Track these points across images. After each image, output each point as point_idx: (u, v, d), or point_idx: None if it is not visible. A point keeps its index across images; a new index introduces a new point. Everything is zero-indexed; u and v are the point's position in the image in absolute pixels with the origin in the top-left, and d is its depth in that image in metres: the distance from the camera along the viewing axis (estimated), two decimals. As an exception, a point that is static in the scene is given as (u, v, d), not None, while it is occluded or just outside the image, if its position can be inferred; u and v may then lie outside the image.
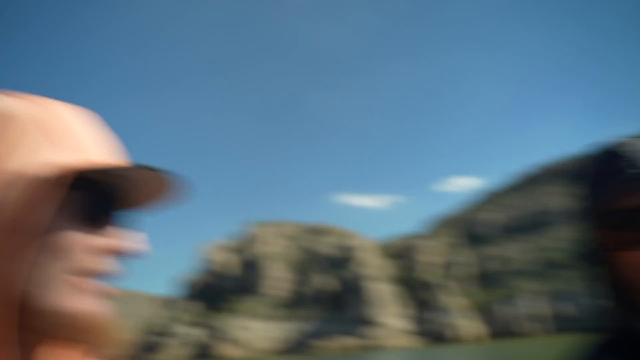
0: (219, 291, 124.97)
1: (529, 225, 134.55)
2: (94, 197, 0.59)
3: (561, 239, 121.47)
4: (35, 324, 0.52)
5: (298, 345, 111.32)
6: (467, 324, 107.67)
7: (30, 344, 0.54)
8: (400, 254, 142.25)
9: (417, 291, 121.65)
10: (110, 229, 0.59)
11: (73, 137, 0.61)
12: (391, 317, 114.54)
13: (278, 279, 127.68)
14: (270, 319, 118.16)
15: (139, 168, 0.59)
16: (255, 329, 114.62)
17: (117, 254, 0.59)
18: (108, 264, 0.59)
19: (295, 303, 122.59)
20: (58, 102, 0.64)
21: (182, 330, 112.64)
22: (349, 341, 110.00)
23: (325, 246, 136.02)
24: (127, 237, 0.60)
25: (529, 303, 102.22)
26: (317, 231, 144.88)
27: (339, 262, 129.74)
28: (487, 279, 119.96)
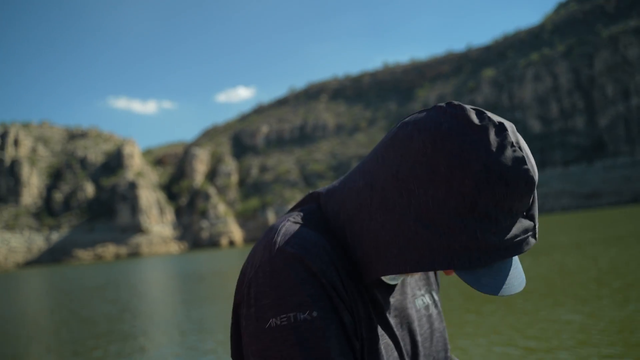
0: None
1: (295, 138, 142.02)
2: None
3: (323, 152, 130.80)
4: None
5: (57, 255, 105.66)
6: (229, 230, 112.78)
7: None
8: (171, 161, 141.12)
9: (183, 198, 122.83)
10: None
11: None
12: (158, 225, 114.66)
13: (35, 185, 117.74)
14: (26, 228, 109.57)
15: None
16: (8, 240, 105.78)
17: None
18: None
19: (56, 211, 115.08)
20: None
21: None
22: (113, 249, 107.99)
23: (93, 152, 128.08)
24: None
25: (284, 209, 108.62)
26: (85, 136, 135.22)
27: (107, 168, 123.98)
28: (250, 188, 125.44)
